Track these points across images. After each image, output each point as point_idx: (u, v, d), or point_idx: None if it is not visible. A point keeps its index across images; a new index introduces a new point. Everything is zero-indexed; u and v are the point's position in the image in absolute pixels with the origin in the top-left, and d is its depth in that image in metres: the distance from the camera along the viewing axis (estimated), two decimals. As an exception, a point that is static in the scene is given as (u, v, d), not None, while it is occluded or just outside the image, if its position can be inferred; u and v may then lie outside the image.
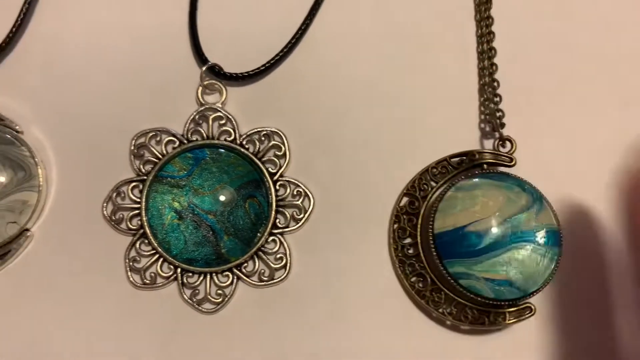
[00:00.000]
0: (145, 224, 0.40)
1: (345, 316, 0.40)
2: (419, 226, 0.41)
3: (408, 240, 0.41)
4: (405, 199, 0.41)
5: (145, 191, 0.40)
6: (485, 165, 0.40)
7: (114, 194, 0.40)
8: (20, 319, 0.39)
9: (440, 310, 0.39)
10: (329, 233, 0.41)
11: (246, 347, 0.39)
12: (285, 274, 0.40)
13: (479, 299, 0.38)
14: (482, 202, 0.38)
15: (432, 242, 0.38)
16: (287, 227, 0.40)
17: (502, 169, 0.40)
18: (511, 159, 0.40)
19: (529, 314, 0.38)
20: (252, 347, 0.39)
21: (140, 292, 0.40)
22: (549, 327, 0.39)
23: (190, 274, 0.40)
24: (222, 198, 0.40)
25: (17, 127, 0.41)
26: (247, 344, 0.39)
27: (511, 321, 0.38)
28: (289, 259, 0.40)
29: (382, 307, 0.40)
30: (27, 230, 0.40)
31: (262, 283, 0.40)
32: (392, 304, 0.40)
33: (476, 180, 0.39)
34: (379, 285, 0.40)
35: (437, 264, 0.38)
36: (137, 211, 0.40)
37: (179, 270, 0.40)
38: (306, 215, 0.41)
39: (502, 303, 0.38)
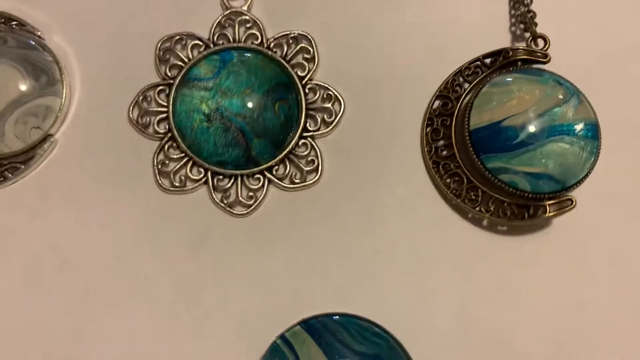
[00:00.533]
0: (173, 127, 0.39)
1: (379, 219, 0.39)
2: (453, 126, 0.40)
3: (442, 142, 0.40)
4: (437, 102, 0.40)
5: (172, 95, 0.39)
6: (519, 63, 0.40)
7: (140, 98, 0.39)
8: (46, 225, 0.38)
9: (477, 208, 0.38)
10: (360, 137, 0.40)
11: (279, 251, 0.38)
12: (317, 177, 0.39)
13: (518, 193, 0.37)
14: (518, 96, 0.38)
15: (468, 138, 0.38)
16: (317, 130, 0.40)
17: (536, 66, 0.40)
18: (545, 56, 0.39)
19: (570, 206, 0.37)
20: (285, 250, 0.38)
21: (170, 196, 0.39)
22: (590, 224, 0.39)
23: (221, 177, 0.39)
24: (250, 104, 0.39)
25: (39, 33, 0.40)
26: (280, 247, 0.38)
27: (552, 213, 0.37)
28: (320, 162, 0.39)
29: (417, 209, 0.39)
30: (51, 135, 0.39)
31: (294, 186, 0.39)
32: (427, 205, 0.39)
33: (511, 76, 0.38)
34: (412, 188, 0.39)
35: (474, 161, 0.38)
36: (164, 115, 0.39)
37: (209, 173, 0.39)
38: (337, 118, 0.40)
39: (542, 196, 0.37)
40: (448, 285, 0.38)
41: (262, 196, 0.39)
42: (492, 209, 0.38)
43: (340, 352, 0.35)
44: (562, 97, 0.38)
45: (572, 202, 0.37)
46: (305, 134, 0.40)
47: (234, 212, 0.39)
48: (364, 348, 0.35)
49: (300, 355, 0.35)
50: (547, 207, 0.37)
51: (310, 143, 0.40)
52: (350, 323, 0.35)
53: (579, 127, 0.37)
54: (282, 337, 0.35)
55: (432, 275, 0.38)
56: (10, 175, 0.39)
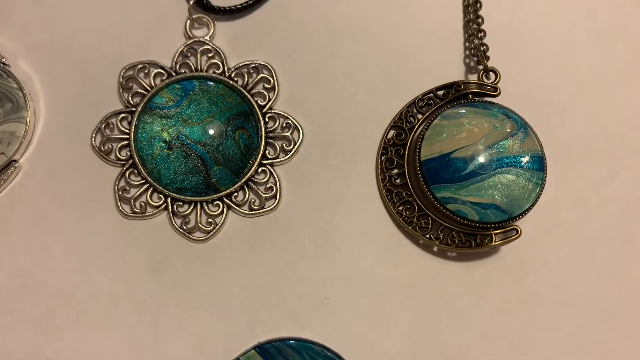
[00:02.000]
0: (135, 154, 0.40)
1: (335, 244, 0.40)
2: (406, 156, 0.41)
3: (395, 171, 0.41)
4: (392, 132, 0.42)
5: (134, 122, 0.40)
6: (470, 96, 0.41)
7: (103, 125, 0.40)
8: (10, 248, 0.39)
9: (428, 235, 0.40)
10: (318, 165, 0.41)
11: (238, 275, 0.40)
12: (275, 204, 0.40)
13: (466, 222, 0.39)
14: (467, 129, 0.39)
15: (419, 169, 0.39)
16: (277, 157, 0.41)
17: (487, 99, 0.41)
18: (496, 89, 0.41)
19: (515, 236, 0.39)
20: (244, 274, 0.40)
21: (131, 221, 0.40)
22: (535, 251, 0.40)
23: (181, 203, 0.40)
24: (210, 131, 0.40)
25: (3, 60, 0.41)
26: (239, 271, 0.40)
27: (497, 242, 0.39)
28: (279, 188, 0.40)
29: (371, 235, 0.41)
30: (15, 161, 0.40)
31: (253, 212, 0.40)
32: (380, 232, 0.41)
33: (462, 109, 0.40)
34: (367, 215, 0.41)
35: (424, 190, 0.39)
36: (126, 142, 0.40)
37: (169, 199, 0.40)
38: (295, 146, 0.41)
39: (489, 225, 0.39)
40: (400, 309, 0.40)
41: (221, 222, 0.40)
42: (441, 236, 0.40)
43: (292, 377, 0.36)
44: (509, 130, 0.39)
45: (517, 231, 0.39)
46: (264, 162, 0.41)
47: (194, 237, 0.40)
48: (316, 372, 0.36)
49: (254, 379, 0.36)
50: (493, 236, 0.39)
51: (270, 170, 0.41)
52: (304, 348, 0.37)
53: (525, 159, 0.39)
54: (237, 360, 0.37)
55: (384, 299, 0.40)
56: (-27, 199, 0.40)
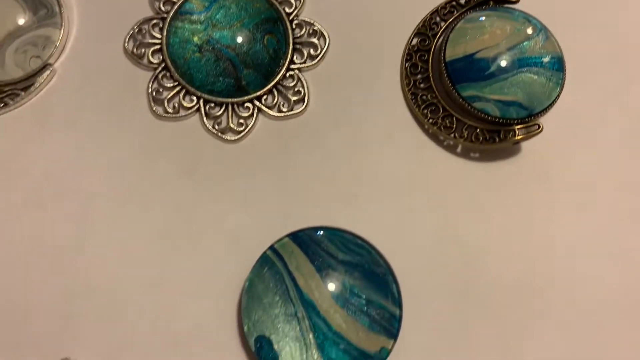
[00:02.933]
0: (167, 57, 0.41)
1: (361, 146, 0.42)
2: (430, 61, 0.43)
3: (419, 76, 0.43)
4: (416, 39, 0.43)
5: (166, 28, 0.41)
6: (491, 2, 0.43)
7: (135, 30, 0.42)
8: (44, 151, 0.40)
9: (453, 135, 0.41)
10: (344, 71, 0.42)
11: (269, 174, 0.41)
12: (303, 107, 0.42)
13: (490, 118, 0.40)
14: (490, 31, 0.40)
15: (444, 69, 0.40)
16: (304, 63, 0.42)
17: (507, 5, 0.43)
18: (516, -4, 0.43)
19: (537, 130, 0.40)
20: (275, 173, 0.41)
21: (164, 123, 0.41)
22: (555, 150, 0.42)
23: (212, 105, 0.41)
24: (239, 37, 0.41)
25: (36, -32, 0.42)
26: (269, 171, 0.41)
27: (520, 137, 0.40)
28: (306, 92, 0.42)
29: (396, 138, 0.42)
30: (50, 65, 0.41)
31: (282, 114, 0.41)
32: (406, 134, 0.42)
33: (484, 13, 0.41)
34: (392, 118, 0.42)
35: (450, 90, 0.40)
36: (158, 46, 0.41)
37: (201, 101, 0.41)
38: (322, 53, 0.42)
39: (511, 121, 0.40)
40: (425, 206, 0.41)
41: (251, 124, 0.41)
42: (465, 135, 0.41)
43: (325, 261, 0.37)
44: (530, 32, 0.41)
45: (539, 127, 0.41)
46: (292, 67, 0.42)
47: (225, 138, 0.41)
48: (347, 258, 0.38)
49: (288, 263, 0.38)
50: (516, 131, 0.41)
51: (297, 75, 0.42)
52: (334, 236, 0.38)
53: (545, 59, 0.40)
54: (271, 248, 0.38)
55: (410, 197, 0.41)
56: (10, 102, 0.41)
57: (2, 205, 0.39)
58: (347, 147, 0.41)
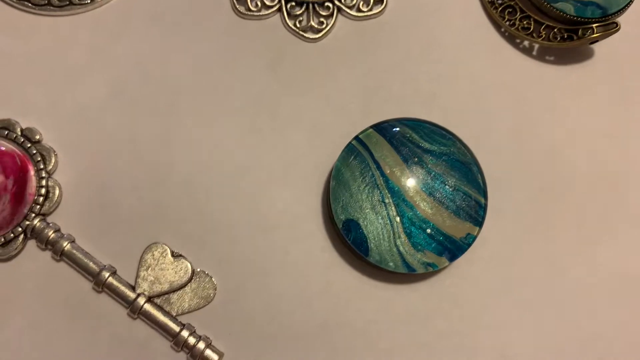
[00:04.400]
0: (250, -43, 0.42)
1: (439, 47, 0.42)
2: (507, -36, 0.43)
3: (495, -20, 0.44)
4: (491, -56, 0.44)
5: None
6: None
7: None
8: (130, 46, 0.41)
9: (530, 35, 0.42)
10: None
11: (349, 72, 0.41)
12: (382, 7, 0.42)
13: (568, 17, 0.41)
14: None
15: (523, -30, 0.41)
16: (382, -34, 0.43)
17: None
18: None
19: (614, 29, 0.41)
20: (354, 72, 0.41)
21: (246, 21, 0.42)
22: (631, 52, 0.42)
23: (293, 4, 0.42)
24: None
25: None
26: (349, 69, 0.41)
27: (597, 34, 0.41)
28: (385, -6, 0.42)
29: (474, 40, 0.42)
30: (135, -37, 0.42)
31: (361, 14, 0.42)
32: (483, 37, 0.42)
33: None
34: (470, 21, 0.43)
35: (528, -11, 0.41)
36: (240, -54, 0.42)
37: (282, 0, 0.42)
38: (399, -44, 0.43)
39: (589, 20, 0.41)
40: (503, 105, 0.42)
41: (331, 23, 0.42)
42: (543, 34, 0.42)
43: (411, 150, 0.38)
44: None
45: (617, 25, 0.41)
46: (371, -31, 0.43)
47: (306, 36, 0.42)
48: (433, 147, 0.38)
49: (374, 152, 0.38)
50: (594, 29, 0.41)
51: (376, -23, 0.43)
52: (419, 126, 0.39)
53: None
54: (356, 138, 0.39)
55: (488, 97, 0.42)
56: (96, -2, 0.41)
57: (89, 99, 0.40)
58: (425, 48, 0.42)
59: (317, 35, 0.42)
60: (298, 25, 0.42)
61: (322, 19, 0.42)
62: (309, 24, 0.42)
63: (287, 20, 0.42)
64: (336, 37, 0.42)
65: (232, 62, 0.41)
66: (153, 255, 0.38)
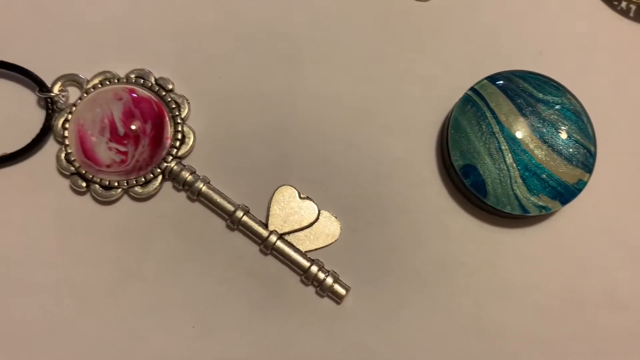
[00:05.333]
0: None
1: (542, 7, 0.44)
2: None
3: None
4: None
5: None
6: None
7: None
8: (253, 3, 0.43)
9: (630, -4, 0.44)
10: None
11: (456, 30, 0.43)
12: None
13: (671, -22, 0.43)
14: None
15: None
16: None
17: None
18: None
19: None
20: (461, 30, 0.43)
21: (361, -20, 0.44)
22: None
23: (407, -36, 0.44)
24: None
25: None
26: (456, 27, 0.44)
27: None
28: (490, -43, 0.45)
29: (575, 2, 0.45)
30: None
31: (469, -25, 0.44)
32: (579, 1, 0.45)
33: None
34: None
35: (630, -47, 0.43)
36: None
37: (396, -40, 0.44)
38: None
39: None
40: (602, 63, 0.44)
41: (441, -17, 0.44)
42: (644, -5, 0.44)
43: (525, 100, 0.40)
44: None
45: None
46: None
47: (418, -5, 0.44)
48: (546, 97, 0.40)
49: (489, 102, 0.40)
50: (697, -11, 0.43)
51: (481, -59, 0.45)
52: (532, 77, 0.41)
53: None
54: (472, 89, 0.41)
55: (588, 54, 0.44)
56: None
57: (216, 52, 0.43)
58: (530, 7, 0.44)
59: (428, -7, 0.44)
60: (410, -15, 0.44)
61: (432, -22, 0.44)
62: (420, -16, 0.44)
63: (400, -20, 0.44)
64: (444, -4, 0.45)
65: (349, 20, 0.44)
66: (282, 196, 0.40)
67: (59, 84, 0.41)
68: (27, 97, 0.42)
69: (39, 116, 0.41)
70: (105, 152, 0.39)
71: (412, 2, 0.44)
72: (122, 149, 0.39)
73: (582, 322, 0.40)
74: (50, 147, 0.41)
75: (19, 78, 0.41)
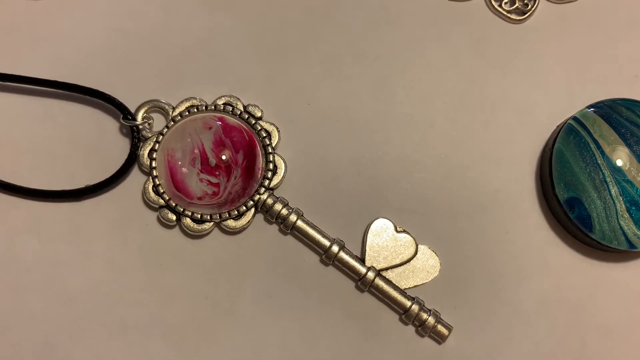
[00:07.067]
0: (455, -61, 0.42)
1: (637, 29, 0.43)
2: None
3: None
4: None
5: None
6: None
7: None
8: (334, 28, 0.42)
9: None
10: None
11: (551, 54, 0.42)
12: (582, -8, 0.43)
13: None
14: None
15: None
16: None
17: None
18: None
19: None
20: (557, 54, 0.42)
21: (453, 3, 0.42)
22: None
23: (499, -14, 0.43)
24: None
25: None
26: (552, 51, 0.42)
27: None
28: (584, -22, 0.43)
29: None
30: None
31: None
32: None
33: None
34: None
35: None
36: None
37: (489, -18, 0.43)
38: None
39: None
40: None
41: (535, 6, 0.42)
42: None
43: (629, 129, 0.39)
44: None
45: None
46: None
47: (511, 17, 0.42)
48: (650, 126, 0.39)
49: (592, 132, 0.39)
50: None
51: (574, -39, 0.43)
52: (634, 105, 0.39)
53: None
54: (573, 118, 0.39)
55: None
56: None
57: (304, 77, 0.41)
58: (624, 29, 0.43)
59: (521, 17, 0.43)
60: (503, 7, 0.43)
61: (526, 1, 0.43)
62: (514, 7, 0.43)
63: (493, 3, 0.43)
64: (538, 20, 0.43)
65: (441, 43, 0.42)
66: (378, 230, 0.39)
67: (143, 110, 0.39)
68: (109, 125, 0.40)
69: (121, 144, 0.39)
70: (196, 184, 0.38)
71: (506, 24, 0.42)
72: (214, 180, 0.38)
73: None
74: (135, 177, 0.39)
75: (100, 104, 0.40)
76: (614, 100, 0.40)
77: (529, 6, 0.43)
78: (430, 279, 0.39)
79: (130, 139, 0.39)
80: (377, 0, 0.42)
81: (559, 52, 0.42)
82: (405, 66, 0.41)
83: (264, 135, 0.39)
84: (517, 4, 0.42)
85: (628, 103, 0.40)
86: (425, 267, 0.39)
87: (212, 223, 0.38)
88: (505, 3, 0.42)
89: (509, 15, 0.42)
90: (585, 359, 0.38)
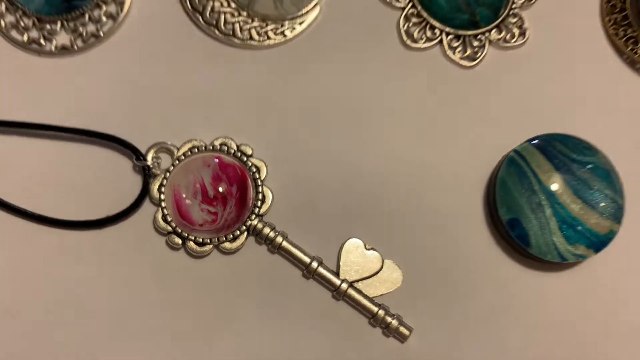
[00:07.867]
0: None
1: (570, 73, 0.50)
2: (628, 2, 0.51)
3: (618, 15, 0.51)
4: (613, -17, 0.51)
5: (411, -27, 0.50)
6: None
7: (386, -24, 0.50)
8: (316, 74, 0.49)
9: (651, 61, 0.50)
10: (559, 9, 0.51)
11: (502, 94, 0.49)
12: (524, 40, 0.50)
13: (686, 47, 0.48)
14: (685, -25, 0.49)
15: (646, 7, 0.49)
16: (524, 3, 0.50)
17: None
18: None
19: None
20: (507, 94, 0.49)
21: (411, 52, 0.50)
22: None
23: (452, 36, 0.50)
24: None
25: None
26: (502, 91, 0.49)
27: None
28: (526, 28, 0.50)
29: (598, 68, 0.50)
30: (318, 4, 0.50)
31: (507, 45, 0.50)
32: (606, 63, 0.50)
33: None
34: (594, 51, 0.50)
35: (650, 23, 0.49)
36: (406, -11, 0.50)
37: (443, 33, 0.49)
38: (537, -5, 0.51)
39: None
40: (626, 123, 0.49)
41: (483, 54, 0.50)
42: (662, 61, 0.50)
43: (561, 160, 0.46)
44: None
45: None
46: (514, 6, 0.50)
47: (463, 64, 0.49)
48: (580, 157, 0.46)
49: (530, 162, 0.46)
50: None
51: (519, 13, 0.50)
52: (566, 140, 0.46)
53: None
54: (515, 151, 0.46)
55: (611, 115, 0.49)
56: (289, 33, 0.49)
57: (288, 121, 0.48)
58: (560, 73, 0.50)
59: (472, 63, 0.50)
60: (457, 54, 0.50)
61: (476, 49, 0.50)
62: (467, 54, 0.50)
63: (447, 51, 0.50)
64: (487, 65, 0.50)
65: (402, 87, 0.49)
66: (350, 248, 0.46)
67: (152, 151, 0.46)
68: (124, 164, 0.47)
69: (134, 181, 0.47)
70: (198, 213, 0.45)
71: (459, 69, 0.49)
72: (213, 209, 0.45)
73: (615, 351, 0.46)
74: (146, 208, 0.47)
75: (116, 147, 0.47)
76: (550, 135, 0.47)
77: (479, 54, 0.50)
78: (394, 289, 0.46)
79: (142, 176, 0.46)
80: (347, 52, 0.49)
81: (504, 92, 0.50)
82: (371, 108, 0.49)
83: (254, 170, 0.46)
84: (468, 52, 0.50)
85: (562, 137, 0.47)
86: (390, 278, 0.46)
87: (211, 245, 0.45)
88: (458, 51, 0.50)
89: (461, 62, 0.50)
90: (528, 355, 0.46)
